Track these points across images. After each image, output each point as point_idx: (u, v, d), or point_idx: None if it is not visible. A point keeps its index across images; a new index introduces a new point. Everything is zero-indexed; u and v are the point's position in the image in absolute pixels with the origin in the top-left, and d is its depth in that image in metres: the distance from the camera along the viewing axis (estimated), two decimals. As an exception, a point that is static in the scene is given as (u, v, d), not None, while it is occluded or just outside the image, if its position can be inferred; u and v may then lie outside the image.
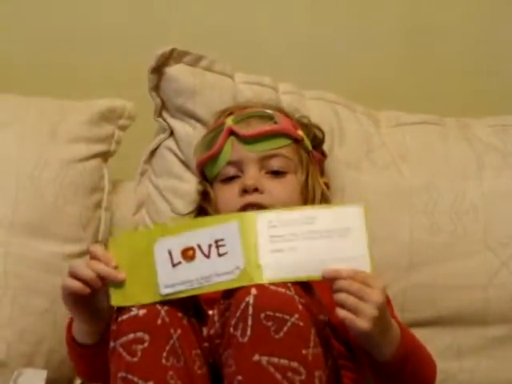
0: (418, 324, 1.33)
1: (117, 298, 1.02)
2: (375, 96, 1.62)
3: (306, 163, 1.26)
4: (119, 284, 1.01)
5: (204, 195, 1.29)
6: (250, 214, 1.01)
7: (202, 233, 1.00)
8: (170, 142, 1.42)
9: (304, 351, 0.97)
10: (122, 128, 1.49)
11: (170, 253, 1.00)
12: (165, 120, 1.42)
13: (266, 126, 1.24)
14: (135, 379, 0.97)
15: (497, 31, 1.75)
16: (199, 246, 0.99)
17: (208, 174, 1.28)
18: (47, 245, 1.36)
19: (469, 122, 1.48)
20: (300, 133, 1.27)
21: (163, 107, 1.42)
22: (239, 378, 0.96)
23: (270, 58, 1.72)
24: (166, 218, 1.38)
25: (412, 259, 1.34)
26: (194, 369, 1.01)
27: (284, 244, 0.98)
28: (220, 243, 0.99)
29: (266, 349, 0.96)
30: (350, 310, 0.98)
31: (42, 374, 1.22)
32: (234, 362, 0.97)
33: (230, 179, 1.24)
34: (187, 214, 1.33)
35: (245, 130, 1.24)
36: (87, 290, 1.03)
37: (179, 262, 1.00)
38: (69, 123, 1.43)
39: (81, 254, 1.39)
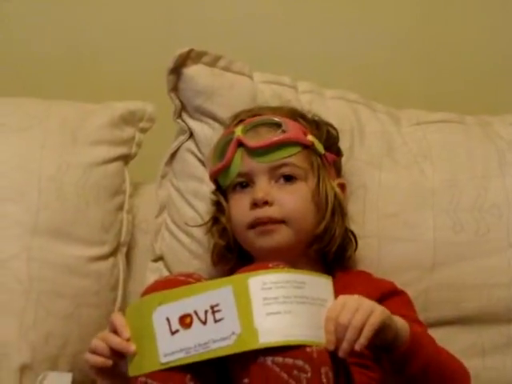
0: (442, 323, 1.33)
1: (132, 369, 1.03)
2: (393, 94, 1.62)
3: (316, 168, 1.25)
4: (133, 355, 1.03)
5: (218, 205, 1.29)
6: (242, 277, 0.99)
7: (198, 299, 1.00)
8: (191, 144, 1.41)
9: (308, 349, 0.97)
10: (143, 130, 1.49)
11: (168, 320, 1.01)
12: (184, 121, 1.41)
13: (274, 136, 1.24)
14: None
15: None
16: (196, 313, 0.99)
17: (221, 183, 1.29)
18: (70, 248, 1.37)
19: (489, 120, 1.46)
20: (310, 138, 1.26)
21: (182, 108, 1.41)
22: (246, 380, 0.98)
23: (288, 57, 1.72)
24: (187, 220, 1.38)
25: (435, 258, 1.33)
26: None
27: (279, 306, 0.97)
28: (216, 308, 0.99)
29: (270, 349, 0.97)
30: (358, 325, 0.99)
31: (67, 377, 1.24)
32: (240, 365, 0.99)
33: (242, 187, 1.25)
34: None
35: (253, 140, 1.24)
36: (109, 363, 1.05)
37: (177, 330, 1.00)
38: (90, 126, 1.44)
39: (103, 257, 1.40)
